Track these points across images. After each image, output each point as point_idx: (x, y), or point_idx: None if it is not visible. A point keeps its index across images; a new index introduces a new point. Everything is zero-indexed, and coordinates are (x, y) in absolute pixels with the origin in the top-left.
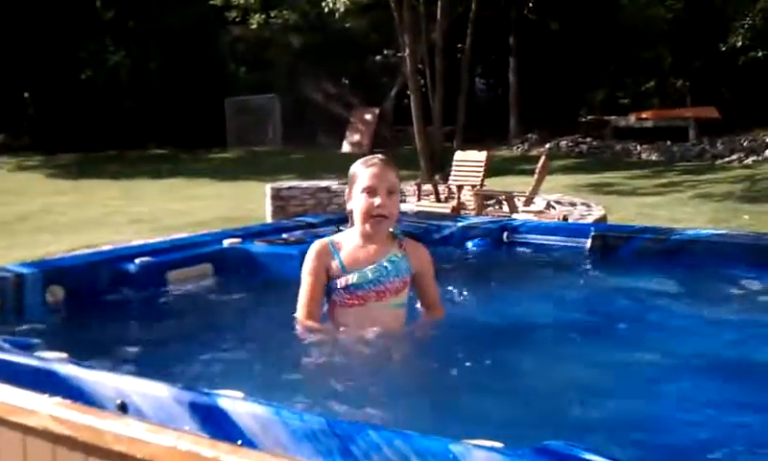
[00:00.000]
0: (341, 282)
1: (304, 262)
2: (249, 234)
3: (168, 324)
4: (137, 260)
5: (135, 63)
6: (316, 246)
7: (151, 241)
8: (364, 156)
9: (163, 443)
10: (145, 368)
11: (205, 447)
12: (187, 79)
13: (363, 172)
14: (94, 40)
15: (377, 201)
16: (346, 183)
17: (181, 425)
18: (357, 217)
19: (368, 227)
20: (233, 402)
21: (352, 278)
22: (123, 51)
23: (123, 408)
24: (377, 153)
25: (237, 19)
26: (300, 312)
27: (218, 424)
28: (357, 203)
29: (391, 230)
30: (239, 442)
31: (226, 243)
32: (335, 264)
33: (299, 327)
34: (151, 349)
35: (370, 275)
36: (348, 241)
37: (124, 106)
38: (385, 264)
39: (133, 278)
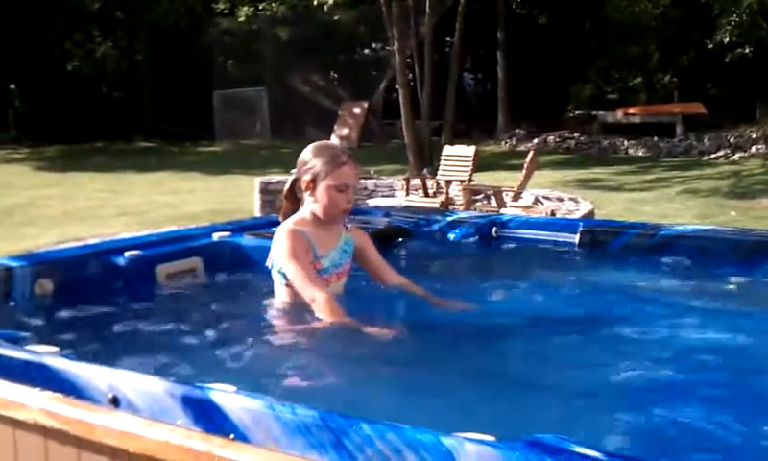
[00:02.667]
0: (315, 266)
1: (283, 249)
2: (238, 228)
3: (158, 317)
4: (127, 254)
5: (122, 55)
6: (288, 231)
7: (140, 234)
8: (345, 147)
9: (155, 437)
10: (136, 362)
11: (198, 440)
12: (175, 71)
13: (337, 170)
14: (81, 31)
15: (348, 197)
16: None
17: (174, 419)
18: (323, 208)
19: (336, 218)
20: (226, 396)
21: (324, 262)
22: (110, 42)
23: (115, 402)
24: (366, 146)
25: (225, 11)
26: (316, 293)
27: (210, 418)
28: (327, 197)
29: None
30: (231, 436)
31: (215, 236)
32: (310, 250)
33: (326, 306)
34: (142, 342)
35: (336, 258)
36: (311, 227)
37: (111, 97)
38: (343, 247)
39: (123, 271)
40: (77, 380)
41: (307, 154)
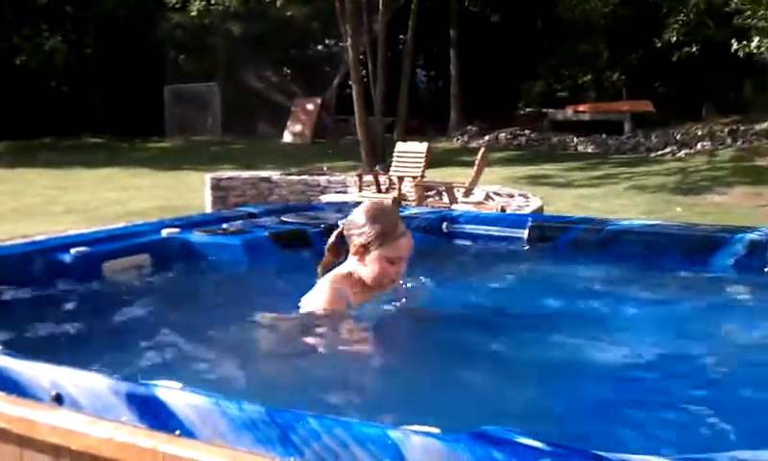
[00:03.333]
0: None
1: (318, 305)
2: (188, 224)
3: (104, 315)
4: (73, 250)
5: (72, 49)
6: (329, 291)
7: (87, 231)
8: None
9: (99, 434)
10: (81, 359)
11: (142, 437)
12: (125, 65)
13: (394, 242)
14: (29, 25)
15: (399, 269)
16: (288, 174)
17: (118, 416)
18: (371, 276)
19: (383, 287)
20: (171, 393)
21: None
22: (59, 36)
23: (58, 400)
24: (319, 143)
25: (177, 6)
26: None
27: (156, 415)
28: (378, 266)
29: None
30: (177, 432)
31: (164, 233)
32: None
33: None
34: (87, 340)
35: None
36: (355, 288)
37: (60, 92)
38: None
39: (69, 268)
40: (19, 378)
41: (361, 216)
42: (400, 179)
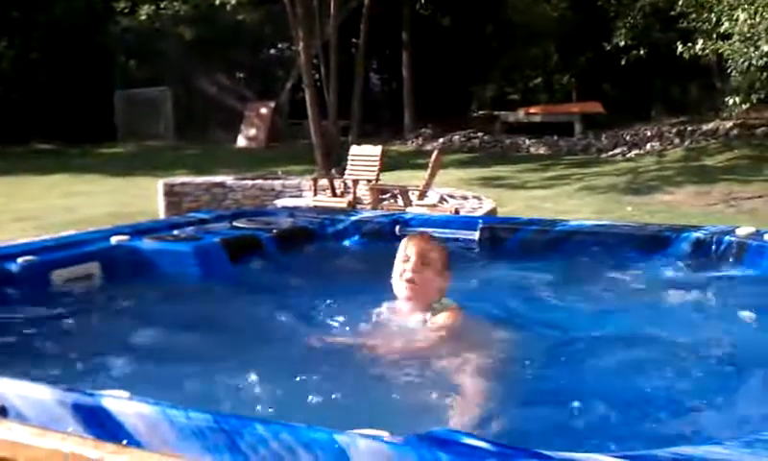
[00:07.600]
0: None
1: None
2: (138, 231)
3: (52, 325)
4: (20, 260)
5: (19, 55)
6: None
7: (35, 239)
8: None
9: (46, 445)
10: (27, 370)
11: (90, 448)
12: (74, 71)
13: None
14: None
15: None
16: (242, 179)
17: (65, 427)
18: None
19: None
20: (118, 402)
21: None
22: (5, 42)
23: (3, 412)
24: (273, 147)
25: (126, 10)
26: None
27: (102, 425)
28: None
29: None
30: (124, 442)
31: (113, 240)
32: None
33: None
34: (33, 351)
35: None
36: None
37: (7, 99)
38: None
39: (16, 278)
40: None
41: None
42: (355, 182)
